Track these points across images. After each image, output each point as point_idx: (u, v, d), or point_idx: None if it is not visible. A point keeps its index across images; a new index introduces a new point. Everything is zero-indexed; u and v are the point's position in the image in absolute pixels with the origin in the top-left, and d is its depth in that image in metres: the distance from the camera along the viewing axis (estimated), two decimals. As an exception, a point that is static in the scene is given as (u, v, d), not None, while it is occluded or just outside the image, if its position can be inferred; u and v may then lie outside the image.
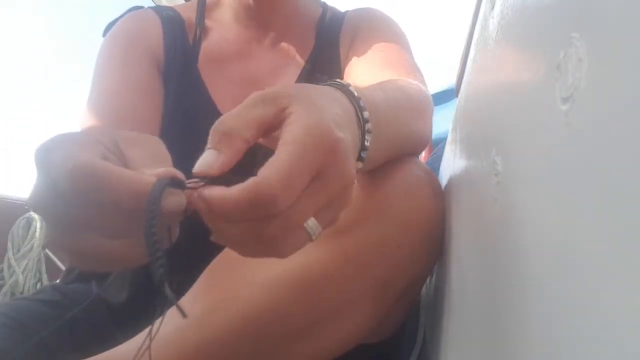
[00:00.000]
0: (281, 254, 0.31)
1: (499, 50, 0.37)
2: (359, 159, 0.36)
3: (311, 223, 0.30)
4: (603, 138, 0.16)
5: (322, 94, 0.34)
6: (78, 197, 0.27)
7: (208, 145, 0.29)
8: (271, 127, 0.30)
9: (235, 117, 0.30)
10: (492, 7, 0.42)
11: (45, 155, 0.28)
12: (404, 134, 0.48)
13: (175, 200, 0.28)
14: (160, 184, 0.28)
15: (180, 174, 0.29)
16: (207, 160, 0.29)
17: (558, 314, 0.18)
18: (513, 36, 0.32)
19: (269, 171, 0.27)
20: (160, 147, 0.32)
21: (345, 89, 0.37)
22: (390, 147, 0.46)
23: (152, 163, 0.30)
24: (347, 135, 0.31)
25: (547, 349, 0.19)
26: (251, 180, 0.27)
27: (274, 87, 0.32)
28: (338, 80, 0.38)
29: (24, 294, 1.76)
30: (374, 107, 0.38)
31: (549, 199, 0.21)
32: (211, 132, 0.30)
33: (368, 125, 0.36)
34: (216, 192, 0.28)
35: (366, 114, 0.36)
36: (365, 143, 0.36)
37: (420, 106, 0.53)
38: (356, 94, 0.37)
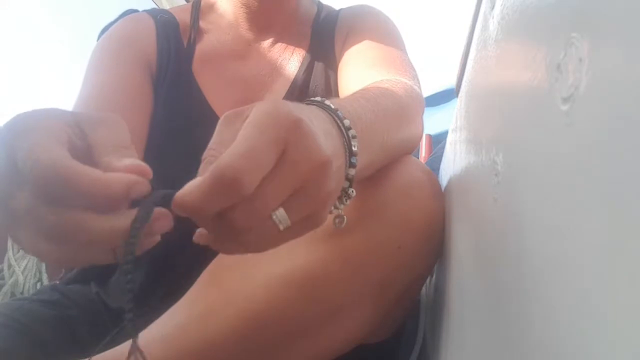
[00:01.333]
0: (252, 247, 0.30)
1: (499, 50, 0.37)
2: (351, 164, 0.36)
3: (279, 213, 0.29)
4: (603, 138, 0.16)
5: (294, 104, 0.33)
6: (40, 194, 0.26)
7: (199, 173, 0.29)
8: None
9: (211, 145, 0.30)
10: (492, 7, 0.42)
11: (10, 138, 0.27)
12: (393, 140, 0.47)
13: (164, 224, 0.29)
14: (148, 205, 0.27)
15: (146, 168, 0.29)
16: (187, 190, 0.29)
17: (558, 314, 0.18)
18: (513, 36, 0.32)
19: (229, 153, 0.27)
20: (122, 129, 0.31)
21: (321, 104, 0.36)
22: (380, 155, 0.45)
23: (115, 148, 0.29)
24: (312, 122, 0.31)
25: (547, 349, 0.19)
26: (213, 166, 0.27)
27: (239, 108, 0.31)
28: (312, 98, 0.38)
29: (24, 294, 1.77)
30: (356, 116, 0.38)
31: (549, 199, 0.21)
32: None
33: (352, 132, 0.36)
34: (182, 190, 0.28)
35: (347, 122, 0.36)
36: (353, 148, 0.35)
37: (408, 109, 0.53)
38: (333, 107, 0.36)
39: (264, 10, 0.73)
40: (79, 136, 0.29)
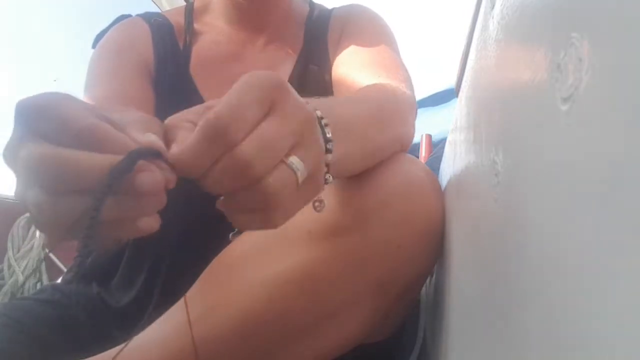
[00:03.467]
0: (272, 199, 0.29)
1: (499, 50, 0.37)
2: (327, 150, 0.36)
3: (294, 160, 0.30)
4: (603, 138, 0.16)
5: None
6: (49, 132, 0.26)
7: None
8: None
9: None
10: (492, 7, 0.42)
11: (38, 105, 0.27)
12: (375, 137, 0.47)
13: (148, 177, 0.27)
14: (133, 154, 0.26)
15: (162, 147, 0.29)
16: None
17: (558, 314, 0.18)
18: (513, 36, 0.32)
19: (217, 105, 0.28)
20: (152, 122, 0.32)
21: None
22: (359, 149, 0.45)
23: (140, 126, 0.30)
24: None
25: (547, 349, 0.19)
26: (202, 120, 0.28)
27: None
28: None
29: (24, 294, 1.77)
30: (328, 108, 0.38)
31: (549, 199, 0.21)
32: None
33: (324, 121, 0.36)
34: (172, 147, 0.28)
35: (318, 112, 0.36)
36: (327, 135, 0.36)
37: (395, 111, 0.53)
38: (318, 113, 0.36)
39: (255, 10, 0.73)
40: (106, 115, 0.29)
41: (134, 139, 0.28)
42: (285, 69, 0.74)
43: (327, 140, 0.36)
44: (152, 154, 0.28)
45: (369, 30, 0.74)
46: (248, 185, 0.29)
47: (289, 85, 0.31)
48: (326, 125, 0.36)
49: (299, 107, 0.31)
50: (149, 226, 0.29)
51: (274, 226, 0.32)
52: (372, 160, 0.48)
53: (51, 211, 0.26)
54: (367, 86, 0.57)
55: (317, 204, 0.37)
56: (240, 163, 0.28)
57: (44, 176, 0.26)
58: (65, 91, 0.29)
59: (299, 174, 0.30)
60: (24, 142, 0.26)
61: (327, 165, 0.36)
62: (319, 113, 0.36)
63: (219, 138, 0.28)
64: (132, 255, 0.67)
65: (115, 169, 0.26)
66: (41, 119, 0.26)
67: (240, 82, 0.30)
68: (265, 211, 0.30)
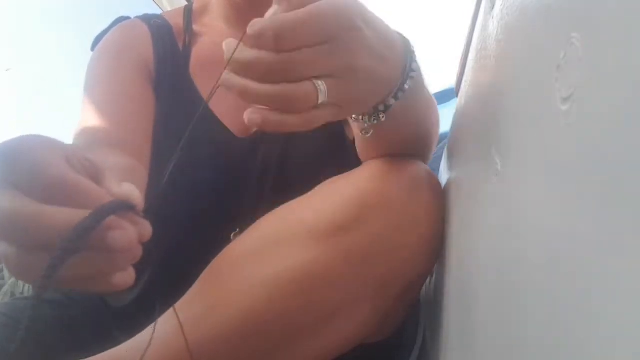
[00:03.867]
0: (292, 103, 0.34)
1: (499, 50, 0.37)
2: (395, 96, 0.42)
3: (321, 83, 0.34)
4: (603, 138, 0.16)
5: (381, 22, 0.40)
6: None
7: None
8: None
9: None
10: (492, 7, 0.42)
11: (12, 152, 0.26)
12: (422, 125, 0.52)
13: (119, 235, 0.26)
14: (98, 212, 0.25)
15: (137, 198, 0.28)
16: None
17: (558, 314, 0.18)
18: (513, 36, 0.32)
19: (288, 13, 0.33)
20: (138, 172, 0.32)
21: (405, 39, 0.43)
22: (408, 133, 0.50)
23: (120, 173, 0.29)
24: (371, 33, 0.36)
25: (547, 349, 0.19)
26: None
27: None
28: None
29: (23, 294, 1.76)
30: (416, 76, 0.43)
31: (549, 199, 0.21)
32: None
33: (413, 74, 0.41)
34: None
35: (415, 65, 0.42)
36: (405, 86, 0.41)
37: (434, 107, 0.57)
38: (412, 48, 0.43)
39: (253, 11, 0.73)
40: (82, 162, 0.29)
41: (108, 190, 0.27)
42: None
43: (400, 89, 0.41)
44: (124, 208, 0.27)
45: None
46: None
47: (360, 34, 0.35)
48: (411, 77, 0.42)
49: (354, 53, 0.35)
50: (123, 282, 0.28)
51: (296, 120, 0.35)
52: (412, 142, 0.53)
53: (17, 265, 0.26)
54: None
55: (363, 131, 0.44)
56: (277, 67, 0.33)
57: (9, 231, 0.26)
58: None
59: (321, 95, 0.34)
60: None
61: (387, 106, 0.42)
62: (415, 66, 0.42)
63: (271, 35, 0.32)
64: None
65: (81, 225, 0.25)
66: (12, 167, 0.26)
67: (324, 3, 0.33)
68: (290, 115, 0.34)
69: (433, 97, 0.56)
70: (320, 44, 0.33)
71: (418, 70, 0.44)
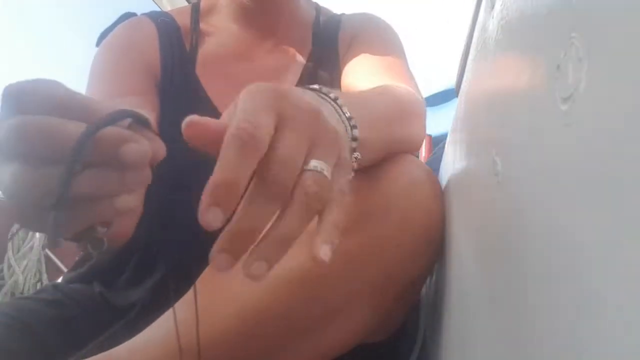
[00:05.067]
0: (314, 203, 0.28)
1: (499, 50, 0.37)
2: (352, 127, 0.37)
3: (313, 162, 0.29)
4: (603, 138, 0.16)
5: (298, 89, 0.34)
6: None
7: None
8: None
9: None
10: (492, 7, 0.42)
11: (15, 89, 0.27)
12: (391, 136, 0.48)
13: (134, 148, 0.26)
14: (111, 116, 0.25)
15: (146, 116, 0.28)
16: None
17: (558, 314, 0.18)
18: (513, 36, 0.32)
19: (234, 120, 0.27)
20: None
21: (319, 92, 0.37)
22: (377, 149, 0.46)
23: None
24: (304, 94, 0.32)
25: (548, 348, 0.19)
26: (226, 135, 0.26)
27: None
28: (315, 86, 0.38)
29: (24, 294, 1.77)
30: (354, 103, 0.39)
31: (549, 199, 0.21)
32: None
33: (352, 121, 0.37)
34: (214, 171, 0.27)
35: (345, 109, 0.37)
36: (346, 114, 0.37)
37: (410, 110, 0.54)
38: (332, 95, 0.37)
39: (261, 12, 0.73)
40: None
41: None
42: (294, 72, 0.74)
43: (348, 119, 0.37)
44: (138, 119, 0.26)
45: (379, 40, 0.74)
46: (284, 202, 0.28)
47: (288, 89, 0.30)
48: (354, 127, 0.37)
49: (304, 105, 0.30)
50: (126, 205, 0.27)
51: (337, 220, 0.30)
52: (389, 150, 0.49)
53: (26, 182, 0.26)
54: (384, 85, 0.58)
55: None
56: (271, 187, 0.27)
57: (20, 144, 0.25)
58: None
59: (325, 172, 0.29)
60: (6, 119, 0.26)
61: (355, 142, 0.37)
62: (345, 110, 0.37)
63: (249, 147, 0.26)
64: (143, 255, 0.67)
65: (93, 126, 0.24)
66: (23, 97, 0.26)
67: (244, 93, 0.29)
68: (320, 213, 0.29)
69: (395, 93, 0.53)
70: (276, 133, 0.28)
71: (348, 104, 0.38)
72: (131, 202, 0.28)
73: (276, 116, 0.28)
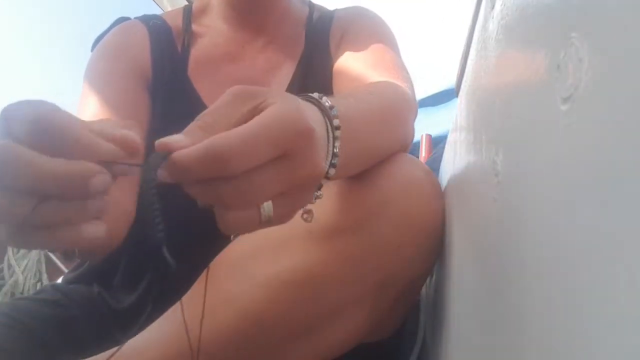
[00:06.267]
0: (225, 224, 0.29)
1: (499, 50, 0.37)
2: (331, 165, 0.36)
3: (267, 206, 0.29)
4: (603, 138, 0.16)
5: (294, 97, 0.33)
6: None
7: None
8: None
9: (211, 114, 0.30)
10: (492, 7, 0.42)
11: (8, 111, 0.27)
12: (378, 141, 0.47)
13: (102, 180, 0.27)
14: (158, 155, 0.27)
15: (136, 142, 0.29)
16: (173, 137, 0.28)
17: (557, 314, 0.18)
18: (513, 36, 0.32)
19: (231, 131, 0.27)
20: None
21: (317, 102, 0.37)
22: (364, 156, 0.45)
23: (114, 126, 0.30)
24: (319, 131, 0.31)
25: (547, 349, 0.19)
26: (210, 140, 0.27)
27: (252, 87, 0.31)
28: (310, 94, 0.38)
29: (23, 294, 1.77)
30: (346, 118, 0.37)
31: (549, 199, 0.21)
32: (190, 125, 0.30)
33: (337, 133, 0.36)
34: (179, 151, 0.27)
35: (336, 121, 0.36)
36: (335, 150, 0.36)
37: (397, 109, 0.53)
38: (328, 104, 0.36)
39: (252, 10, 0.73)
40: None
41: (111, 134, 0.28)
42: (286, 70, 0.74)
43: (334, 155, 0.35)
44: (163, 157, 0.28)
45: (370, 32, 0.74)
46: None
47: (316, 135, 0.30)
48: (336, 138, 0.36)
49: (316, 164, 0.30)
50: (94, 234, 0.28)
51: (226, 230, 0.30)
52: (373, 161, 0.48)
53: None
54: (371, 84, 0.57)
55: (305, 215, 0.36)
56: (219, 195, 0.28)
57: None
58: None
59: (263, 218, 0.29)
60: None
61: (328, 177, 0.36)
62: (336, 122, 0.35)
63: (218, 164, 0.26)
64: (133, 256, 0.67)
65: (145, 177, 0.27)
66: (13, 120, 0.27)
67: (266, 120, 0.28)
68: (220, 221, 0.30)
69: (381, 96, 0.52)
70: (276, 160, 0.28)
71: (340, 115, 0.37)
72: (99, 232, 0.28)
73: (281, 152, 0.28)
